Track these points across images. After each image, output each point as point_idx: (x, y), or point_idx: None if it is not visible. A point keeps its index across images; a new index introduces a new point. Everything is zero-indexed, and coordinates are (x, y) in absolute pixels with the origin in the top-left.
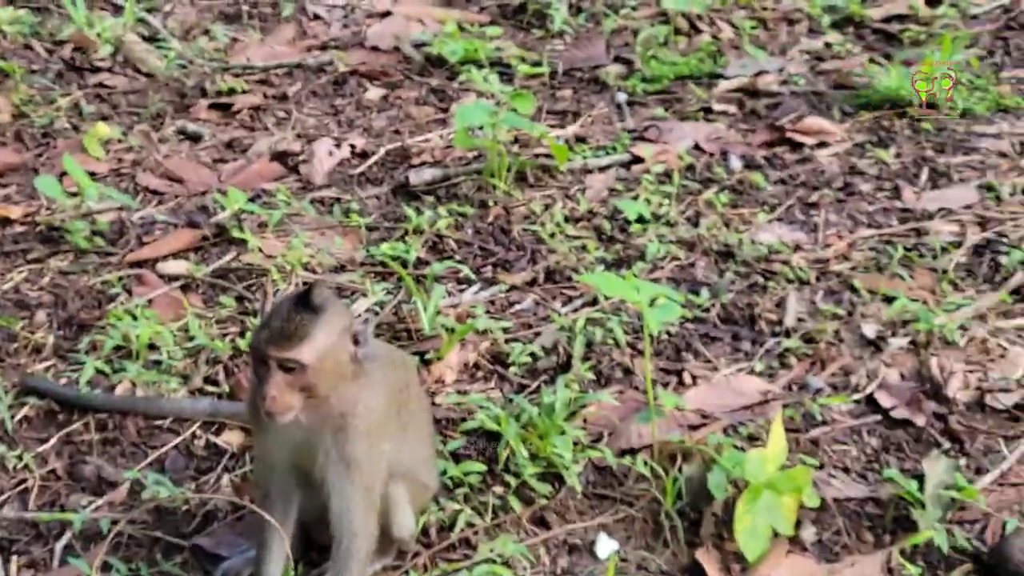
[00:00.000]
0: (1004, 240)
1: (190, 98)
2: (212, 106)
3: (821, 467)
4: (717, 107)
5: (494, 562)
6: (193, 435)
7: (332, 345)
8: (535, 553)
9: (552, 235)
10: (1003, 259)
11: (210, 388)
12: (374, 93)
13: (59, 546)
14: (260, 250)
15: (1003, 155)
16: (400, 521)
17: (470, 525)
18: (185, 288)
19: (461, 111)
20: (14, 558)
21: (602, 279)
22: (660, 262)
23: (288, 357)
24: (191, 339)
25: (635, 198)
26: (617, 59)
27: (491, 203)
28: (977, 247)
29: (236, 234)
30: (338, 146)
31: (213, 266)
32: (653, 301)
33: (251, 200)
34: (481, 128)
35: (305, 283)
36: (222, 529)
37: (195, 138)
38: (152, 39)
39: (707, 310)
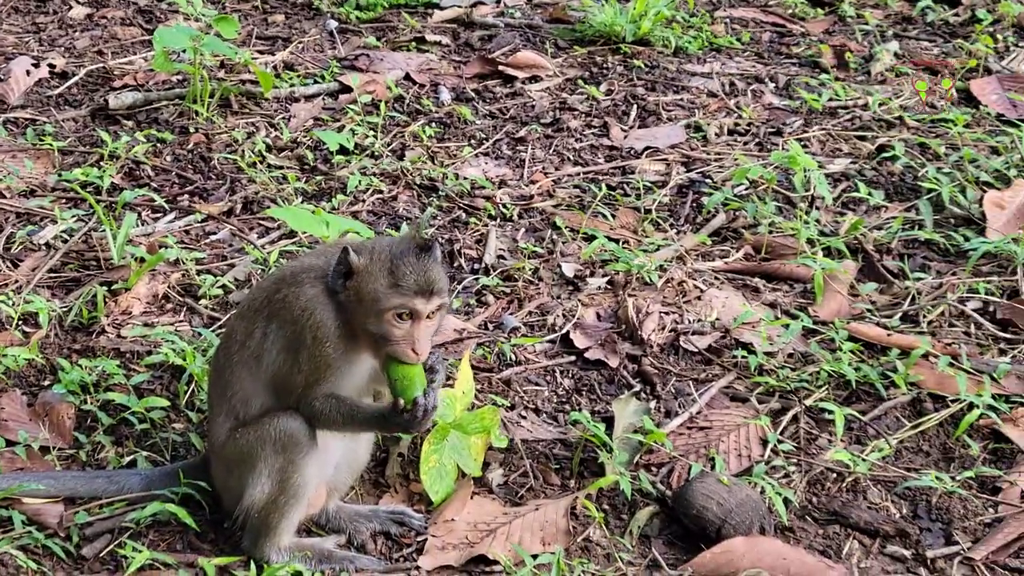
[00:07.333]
0: (708, 181)
1: None
2: None
3: (512, 408)
4: (431, 37)
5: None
6: None
7: None
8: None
9: (253, 164)
10: (705, 200)
11: None
12: (79, 11)
13: None
14: None
15: (712, 95)
16: None
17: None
18: None
19: (160, 33)
20: None
21: (290, 213)
22: (362, 195)
23: (440, 303)
24: None
25: (340, 129)
26: None
27: (192, 130)
28: (681, 187)
29: None
30: (37, 65)
31: None
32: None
33: None
34: (184, 52)
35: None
36: None
37: None
38: None
39: None
